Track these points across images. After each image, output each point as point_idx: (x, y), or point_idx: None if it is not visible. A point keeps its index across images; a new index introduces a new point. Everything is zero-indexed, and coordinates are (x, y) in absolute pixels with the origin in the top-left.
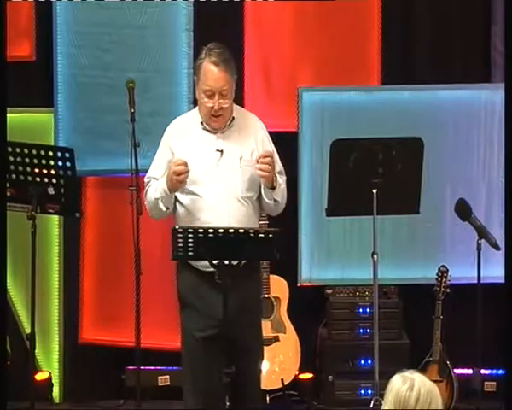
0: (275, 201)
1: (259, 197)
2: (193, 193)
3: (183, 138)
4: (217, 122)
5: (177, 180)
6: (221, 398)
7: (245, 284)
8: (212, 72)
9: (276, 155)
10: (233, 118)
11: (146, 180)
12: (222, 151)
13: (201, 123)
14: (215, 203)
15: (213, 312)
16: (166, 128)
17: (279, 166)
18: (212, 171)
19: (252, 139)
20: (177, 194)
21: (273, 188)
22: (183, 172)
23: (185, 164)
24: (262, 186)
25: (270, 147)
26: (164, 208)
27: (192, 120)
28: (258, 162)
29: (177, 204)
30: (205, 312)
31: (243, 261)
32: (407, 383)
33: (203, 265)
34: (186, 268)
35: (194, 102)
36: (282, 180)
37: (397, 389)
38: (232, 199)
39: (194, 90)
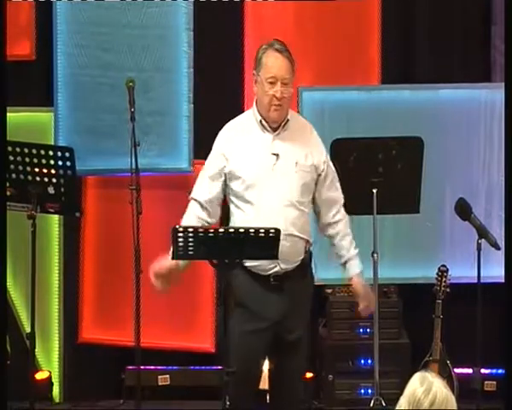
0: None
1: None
2: (248, 198)
3: (238, 141)
4: (277, 111)
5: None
6: (221, 397)
7: (297, 284)
8: (276, 59)
9: (330, 161)
10: (287, 120)
11: (189, 197)
12: (278, 155)
13: (260, 121)
14: (270, 209)
15: (267, 313)
16: (219, 134)
17: (332, 170)
18: (267, 175)
19: (306, 143)
20: (233, 198)
21: None
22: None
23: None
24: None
25: (323, 153)
26: None
27: (248, 121)
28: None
29: (233, 208)
30: (259, 313)
31: (296, 263)
32: (424, 386)
33: (260, 269)
34: (242, 270)
35: (195, 103)
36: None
37: (413, 389)
38: (288, 204)
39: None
